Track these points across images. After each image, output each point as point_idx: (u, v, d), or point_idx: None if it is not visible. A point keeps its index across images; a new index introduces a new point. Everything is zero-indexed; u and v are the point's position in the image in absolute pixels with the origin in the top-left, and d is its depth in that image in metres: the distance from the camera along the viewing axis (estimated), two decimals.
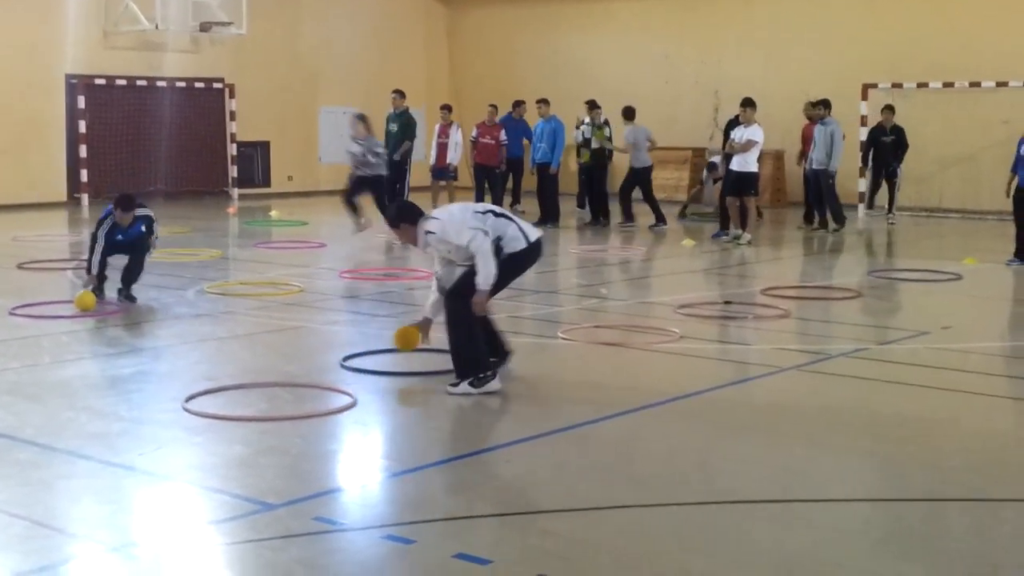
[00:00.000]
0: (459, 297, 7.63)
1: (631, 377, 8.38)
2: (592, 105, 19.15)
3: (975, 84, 20.12)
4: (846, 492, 5.79)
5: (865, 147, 19.82)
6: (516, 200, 21.34)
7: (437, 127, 20.33)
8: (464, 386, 7.56)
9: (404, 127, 19.38)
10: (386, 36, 26.86)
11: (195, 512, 5.43)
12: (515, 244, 7.66)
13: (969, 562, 4.90)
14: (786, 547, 5.01)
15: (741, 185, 16.52)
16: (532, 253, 7.82)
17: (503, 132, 20.21)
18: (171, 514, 5.40)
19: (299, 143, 25.59)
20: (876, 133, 19.53)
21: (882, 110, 19.46)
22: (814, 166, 18.20)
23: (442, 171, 20.18)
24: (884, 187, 19.88)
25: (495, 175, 20.30)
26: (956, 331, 10.05)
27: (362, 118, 17.02)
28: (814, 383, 8.21)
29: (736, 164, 16.51)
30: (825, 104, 18.31)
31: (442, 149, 20.09)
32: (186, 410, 6.98)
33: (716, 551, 4.95)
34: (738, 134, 16.57)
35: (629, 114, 18.96)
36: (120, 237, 11.04)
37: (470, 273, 7.60)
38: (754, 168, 16.54)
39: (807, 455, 6.40)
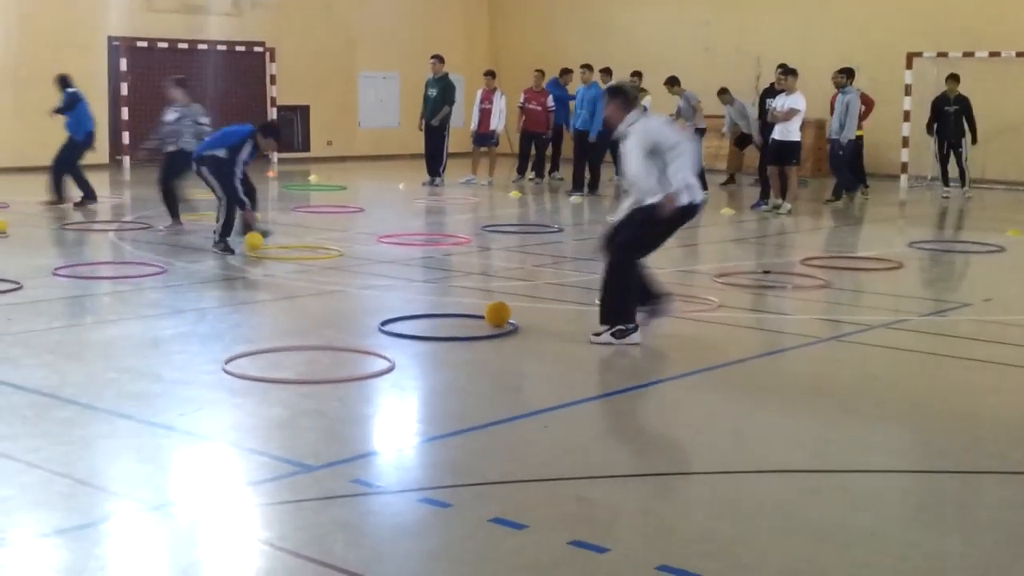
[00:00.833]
0: (622, 248, 7.82)
1: (668, 346, 8.36)
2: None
3: (1022, 54, 19.85)
4: (882, 463, 5.77)
5: (930, 119, 19.11)
6: (555, 167, 21.29)
7: (480, 93, 20.27)
8: (606, 336, 7.84)
9: (443, 92, 19.38)
10: (425, 2, 26.79)
11: (234, 473, 5.49)
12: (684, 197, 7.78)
13: (1005, 534, 4.87)
14: (819, 516, 5.00)
15: (782, 154, 16.40)
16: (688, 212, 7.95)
17: (550, 98, 20.15)
18: (210, 474, 5.46)
19: (338, 108, 25.63)
20: (940, 103, 18.91)
21: (946, 79, 18.88)
22: (831, 135, 17.92)
23: (485, 137, 20.14)
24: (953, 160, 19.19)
25: (542, 140, 20.28)
26: (997, 303, 9.97)
27: (180, 82, 14.46)
28: (852, 354, 8.18)
29: (778, 133, 16.39)
30: (848, 73, 17.84)
31: (485, 115, 20.01)
32: (226, 372, 7.04)
33: (749, 519, 4.95)
34: (779, 102, 16.42)
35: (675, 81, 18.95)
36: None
37: (636, 211, 7.82)
38: (796, 137, 16.41)
39: (844, 425, 6.39)
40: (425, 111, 19.70)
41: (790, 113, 16.21)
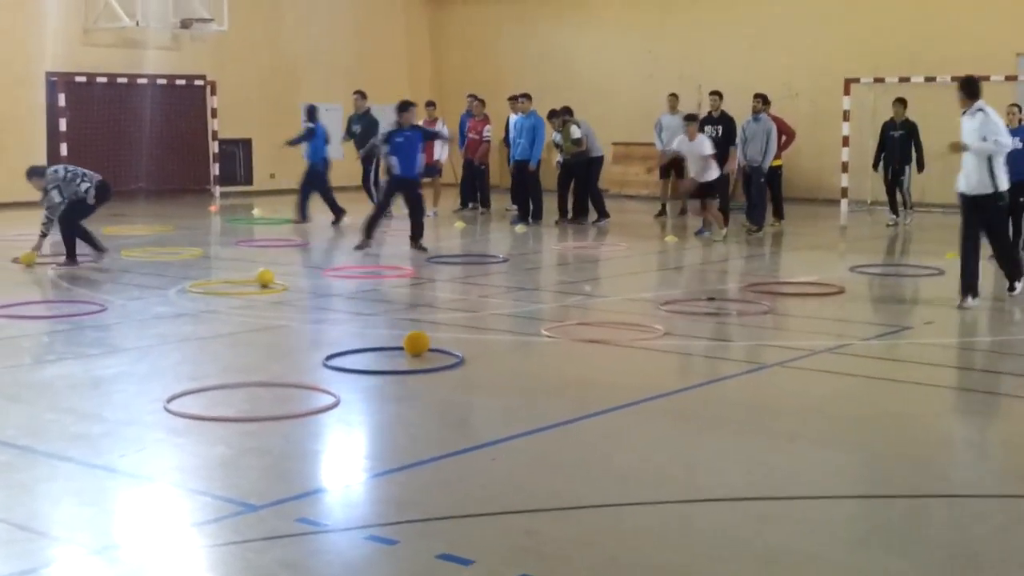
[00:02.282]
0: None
1: (614, 374, 8.37)
2: (551, 114, 19.07)
3: (957, 79, 20.12)
4: (828, 488, 5.80)
5: (879, 143, 18.87)
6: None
7: (421, 123, 20.23)
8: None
9: (368, 129, 19.12)
10: (368, 32, 26.81)
11: (177, 514, 5.41)
12: None
13: (951, 557, 4.91)
14: (766, 543, 5.01)
15: (704, 188, 16.50)
16: None
17: (487, 127, 20.17)
18: (153, 516, 5.37)
19: (281, 140, 25.47)
20: (887, 127, 18.68)
21: (893, 103, 18.70)
22: (747, 163, 17.55)
23: (429, 168, 20.08)
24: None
25: (479, 171, 20.25)
26: (938, 326, 10.09)
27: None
28: (797, 379, 8.22)
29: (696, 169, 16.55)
30: (763, 99, 17.62)
31: (428, 146, 19.97)
32: (168, 411, 6.95)
33: (696, 547, 4.96)
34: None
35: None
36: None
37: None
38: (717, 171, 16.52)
39: (789, 452, 6.41)
40: (357, 146, 19.50)
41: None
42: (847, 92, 20.33)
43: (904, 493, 5.69)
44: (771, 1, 23.28)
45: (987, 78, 19.47)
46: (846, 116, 20.29)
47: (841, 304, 11.46)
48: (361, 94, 19.63)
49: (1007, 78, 19.75)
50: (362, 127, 19.33)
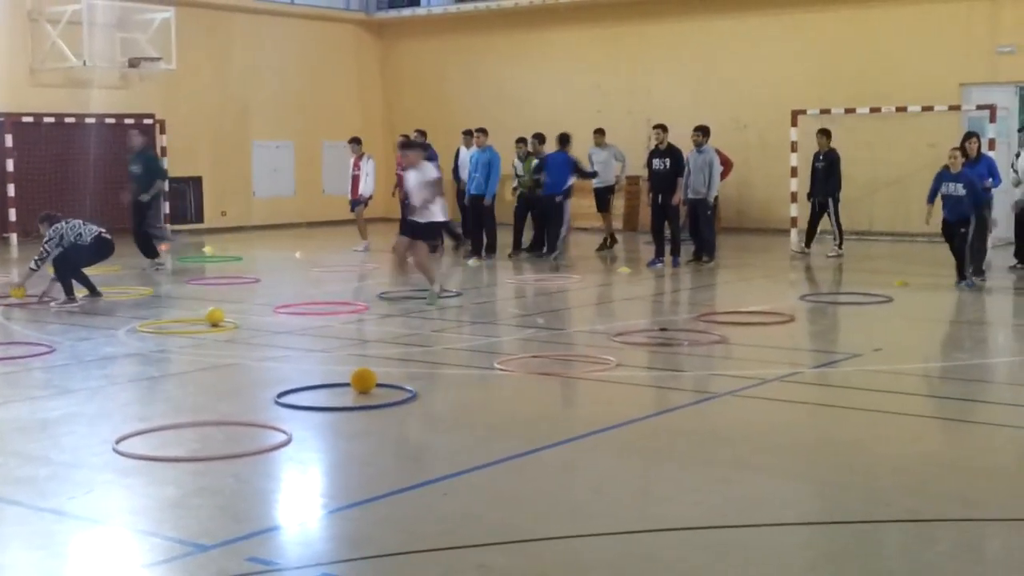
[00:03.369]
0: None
1: (567, 407, 8.38)
2: (520, 140, 19.40)
3: (901, 109, 20.45)
4: (779, 516, 5.82)
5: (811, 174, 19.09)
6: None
7: (351, 160, 20.57)
8: None
9: (148, 169, 18.38)
10: (318, 69, 26.85)
11: (127, 556, 5.34)
12: None
13: None
14: (720, 573, 5.02)
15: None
16: None
17: (368, 163, 20.51)
18: (103, 559, 5.31)
19: (232, 178, 25.46)
20: (813, 159, 18.87)
21: (817, 133, 18.94)
22: (691, 195, 17.65)
23: (355, 202, 20.51)
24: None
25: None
26: (887, 353, 10.18)
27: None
28: (749, 408, 8.27)
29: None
30: (704, 131, 17.72)
31: (355, 181, 20.42)
32: (117, 452, 6.88)
33: None
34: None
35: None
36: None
37: None
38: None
39: (742, 481, 6.43)
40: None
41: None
42: (794, 123, 20.55)
43: (854, 519, 5.73)
44: (718, 35, 23.57)
45: (931, 108, 19.84)
46: (794, 147, 20.49)
47: (791, 333, 11.56)
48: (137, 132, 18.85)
49: (951, 108, 20.06)
50: (142, 167, 17.95)
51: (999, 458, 7.01)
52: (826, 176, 18.56)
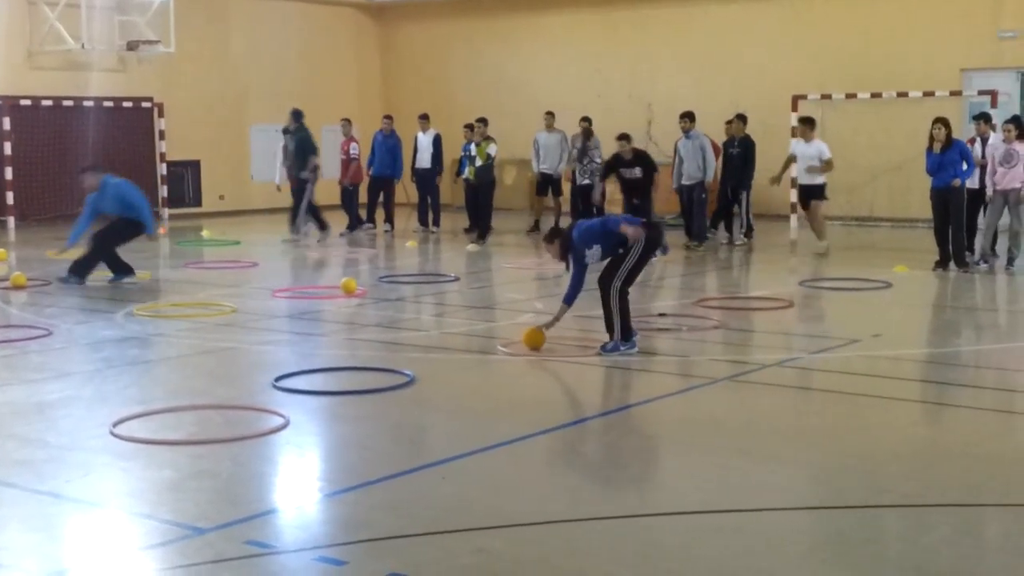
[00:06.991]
0: None
1: (565, 391, 8.36)
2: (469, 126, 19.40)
3: (902, 94, 20.41)
4: (780, 501, 5.81)
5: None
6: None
7: (340, 143, 20.74)
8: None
9: (302, 146, 19.13)
10: (317, 53, 26.75)
11: (124, 539, 5.33)
12: None
13: (903, 567, 4.93)
14: (718, 557, 5.01)
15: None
16: None
17: (352, 145, 20.80)
18: (100, 541, 5.29)
19: (230, 162, 25.37)
20: (725, 145, 18.38)
21: (733, 120, 18.42)
22: (684, 181, 17.55)
23: (351, 185, 20.91)
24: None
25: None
26: (887, 339, 10.16)
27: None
28: (748, 394, 8.25)
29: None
30: (690, 117, 17.57)
31: (344, 165, 20.71)
32: (114, 435, 6.86)
33: (649, 563, 4.94)
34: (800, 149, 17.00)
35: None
36: None
37: None
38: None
39: (741, 466, 6.42)
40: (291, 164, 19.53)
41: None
42: (795, 108, 20.52)
43: (853, 504, 5.72)
44: (718, 20, 23.47)
45: (932, 94, 19.80)
46: (794, 132, 20.45)
47: (791, 318, 11.54)
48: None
49: (952, 93, 20.01)
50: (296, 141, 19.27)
51: (998, 444, 7.00)
52: (742, 163, 18.10)
